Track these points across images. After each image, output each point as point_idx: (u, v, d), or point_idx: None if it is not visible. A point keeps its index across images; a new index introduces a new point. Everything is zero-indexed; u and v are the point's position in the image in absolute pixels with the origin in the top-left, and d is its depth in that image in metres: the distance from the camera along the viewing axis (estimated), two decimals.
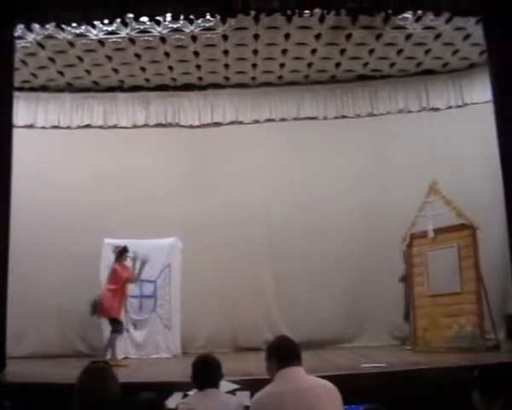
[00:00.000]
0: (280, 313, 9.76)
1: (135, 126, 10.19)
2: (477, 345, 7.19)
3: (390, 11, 7.55)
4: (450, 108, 10.17)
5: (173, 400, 3.98)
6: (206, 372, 3.32)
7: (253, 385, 4.01)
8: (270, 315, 9.77)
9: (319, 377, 3.14)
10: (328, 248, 9.44)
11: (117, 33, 8.38)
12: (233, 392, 4.00)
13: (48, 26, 7.74)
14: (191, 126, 10.25)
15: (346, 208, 9.77)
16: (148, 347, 9.00)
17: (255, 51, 9.01)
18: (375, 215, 9.72)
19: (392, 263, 8.96)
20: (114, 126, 10.13)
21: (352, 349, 8.01)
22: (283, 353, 3.04)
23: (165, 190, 9.90)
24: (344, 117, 10.23)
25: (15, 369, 6.81)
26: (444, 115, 10.15)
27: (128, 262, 8.22)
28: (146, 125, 10.22)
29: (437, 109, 10.23)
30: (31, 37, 8.41)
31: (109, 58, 9.13)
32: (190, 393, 3.77)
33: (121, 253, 8.04)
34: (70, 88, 10.17)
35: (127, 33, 8.35)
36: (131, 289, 8.84)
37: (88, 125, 10.14)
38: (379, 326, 9.53)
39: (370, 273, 9.49)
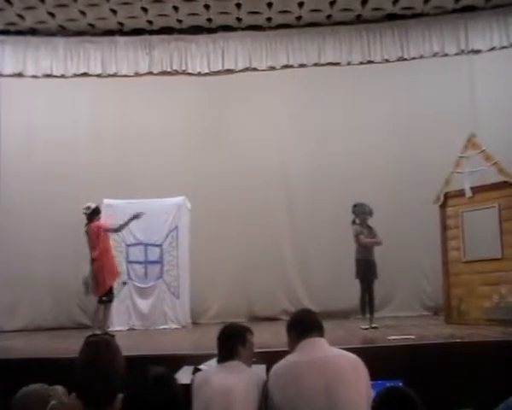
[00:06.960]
0: (299, 282, 9.75)
1: (137, 75, 10.08)
2: None
3: None
4: (493, 49, 9.81)
5: (183, 374, 3.93)
6: (226, 344, 3.31)
7: (269, 358, 4.00)
8: (288, 283, 9.76)
9: (342, 349, 3.16)
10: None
11: None
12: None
13: None
14: (199, 74, 10.15)
15: (373, 166, 9.59)
16: (155, 317, 8.96)
17: None
18: (406, 173, 9.55)
19: (425, 226, 8.80)
20: (114, 75, 10.04)
21: (378, 320, 7.81)
22: (302, 325, 3.10)
23: (172, 146, 9.81)
24: (370, 62, 9.99)
25: (8, 343, 6.98)
26: (485, 58, 9.83)
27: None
28: (149, 73, 10.09)
29: (478, 52, 9.90)
30: None
31: None
32: (201, 367, 3.84)
33: (93, 214, 7.77)
34: (63, 32, 10.03)
35: None
36: (135, 254, 8.94)
37: (84, 74, 10.07)
38: (408, 295, 9.46)
39: (399, 237, 9.23)
